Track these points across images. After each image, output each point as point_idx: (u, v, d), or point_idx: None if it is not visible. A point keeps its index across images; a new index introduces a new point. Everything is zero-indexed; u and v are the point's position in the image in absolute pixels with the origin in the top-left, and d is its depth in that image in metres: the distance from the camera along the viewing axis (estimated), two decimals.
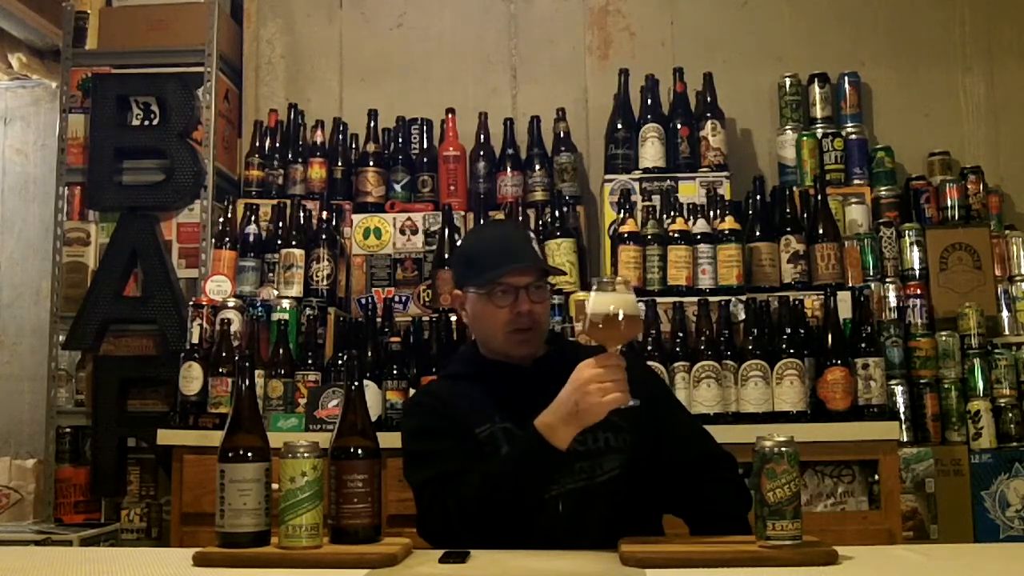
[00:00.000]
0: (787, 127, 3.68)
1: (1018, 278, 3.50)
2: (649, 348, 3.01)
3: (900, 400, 3.29)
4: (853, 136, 3.62)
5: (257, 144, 3.76)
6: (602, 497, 1.88)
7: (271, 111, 3.84)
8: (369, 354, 3.11)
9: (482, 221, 3.43)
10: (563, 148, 3.64)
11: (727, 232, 3.19)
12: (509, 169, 3.61)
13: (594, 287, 1.78)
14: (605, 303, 1.73)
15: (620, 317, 1.72)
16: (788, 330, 2.98)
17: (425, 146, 3.73)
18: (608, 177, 3.49)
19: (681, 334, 3.03)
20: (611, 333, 1.73)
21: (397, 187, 3.65)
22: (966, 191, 3.58)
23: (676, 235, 3.21)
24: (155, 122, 3.77)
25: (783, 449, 1.58)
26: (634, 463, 1.92)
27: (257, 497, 1.60)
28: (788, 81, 3.70)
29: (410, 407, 2.14)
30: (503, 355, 2.00)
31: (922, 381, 3.35)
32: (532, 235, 2.14)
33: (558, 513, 1.86)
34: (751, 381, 2.94)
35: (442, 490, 1.83)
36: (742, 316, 3.07)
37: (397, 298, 3.46)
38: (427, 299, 3.44)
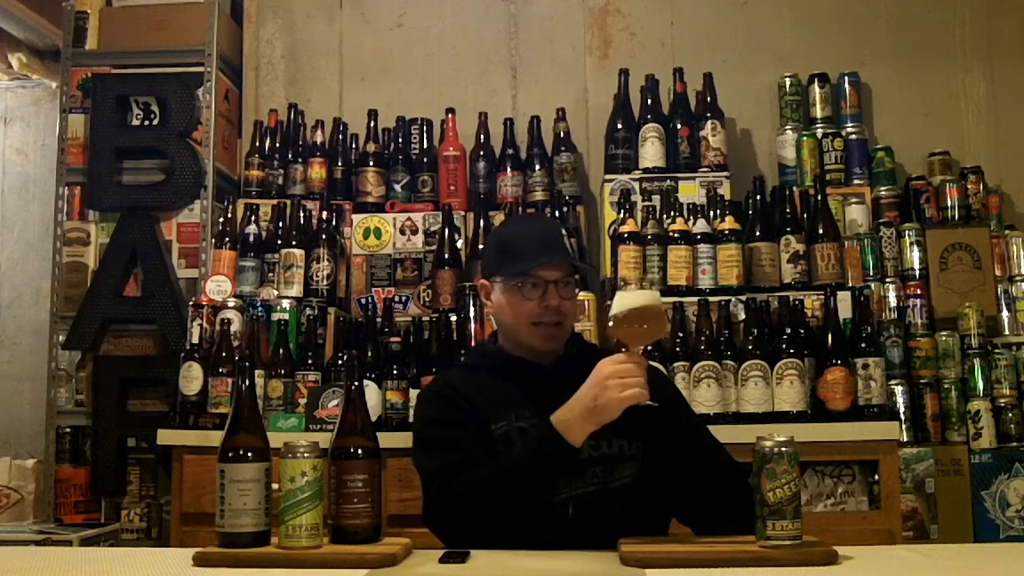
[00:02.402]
0: (787, 127, 3.68)
1: (1018, 278, 3.50)
2: (649, 348, 3.01)
3: (900, 400, 3.29)
4: (853, 136, 3.62)
5: (257, 144, 3.76)
6: (613, 503, 1.88)
7: (271, 111, 3.84)
8: (369, 354, 3.11)
9: (482, 222, 3.43)
10: (563, 148, 3.64)
11: (727, 232, 3.19)
12: (509, 169, 3.61)
13: (620, 285, 1.80)
14: (630, 302, 1.74)
15: (645, 317, 1.73)
16: (788, 330, 2.98)
17: (425, 146, 3.73)
18: (608, 177, 3.49)
19: (681, 334, 3.03)
20: (634, 332, 1.75)
21: (397, 187, 3.65)
22: (966, 191, 3.58)
23: (676, 235, 3.20)
24: (155, 122, 3.77)
25: (783, 449, 1.58)
26: (647, 471, 1.92)
27: (257, 497, 1.60)
28: (788, 81, 3.70)
29: (427, 394, 2.10)
30: (525, 350, 1.98)
31: (922, 381, 3.35)
32: (563, 228, 2.11)
33: (567, 517, 1.85)
34: (751, 381, 2.94)
35: (451, 480, 1.82)
36: (742, 316, 3.06)
37: (397, 298, 3.46)
38: (427, 299, 3.44)
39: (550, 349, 1.98)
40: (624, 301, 1.75)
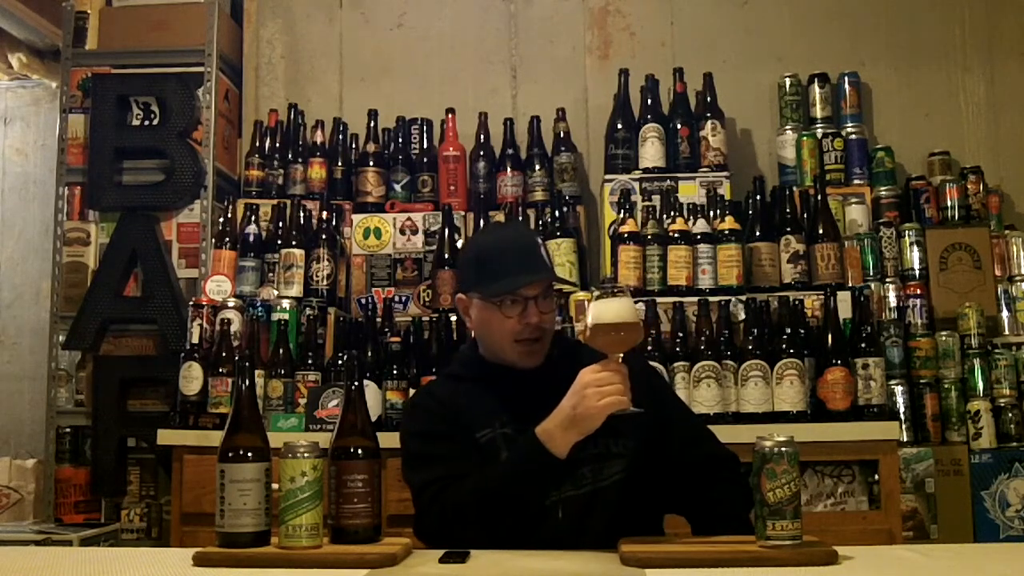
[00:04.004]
0: (787, 127, 3.68)
1: (1018, 278, 3.50)
2: (649, 348, 3.01)
3: (900, 400, 3.29)
4: (853, 136, 3.62)
5: (257, 144, 3.76)
6: (604, 502, 1.88)
7: (271, 111, 3.84)
8: (369, 354, 3.11)
9: (482, 222, 3.43)
10: (563, 148, 3.64)
11: (727, 232, 3.19)
12: (509, 169, 3.61)
13: (595, 294, 1.78)
14: (605, 310, 1.73)
15: (620, 325, 1.72)
16: (788, 330, 2.98)
17: (425, 146, 3.73)
18: (608, 177, 3.49)
19: (681, 334, 3.03)
20: (611, 340, 1.73)
21: (397, 187, 3.65)
22: (966, 191, 3.58)
23: (676, 235, 3.20)
24: (155, 122, 3.77)
25: (783, 449, 1.58)
26: (636, 467, 1.91)
27: (257, 497, 1.60)
28: (788, 81, 3.70)
29: (410, 408, 2.12)
30: (508, 363, 1.98)
31: (922, 381, 3.35)
32: (540, 238, 2.07)
33: (558, 519, 1.85)
34: (751, 381, 2.94)
35: (440, 494, 1.82)
36: (742, 316, 3.06)
37: (397, 298, 3.46)
38: (427, 299, 3.44)
39: (531, 365, 1.96)
40: (599, 310, 1.74)
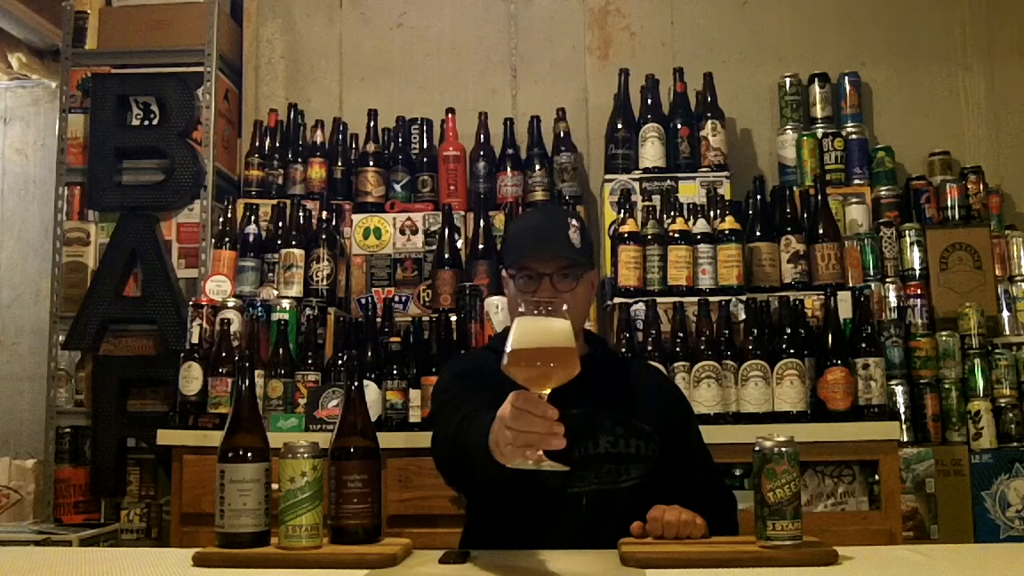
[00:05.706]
0: (787, 127, 3.67)
1: (1018, 278, 3.50)
2: (649, 348, 3.01)
3: (900, 400, 3.29)
4: (853, 136, 3.62)
5: (257, 144, 3.75)
6: (622, 502, 1.88)
7: (271, 111, 3.84)
8: (369, 354, 3.11)
9: (482, 222, 3.44)
10: (563, 148, 3.64)
11: (727, 232, 3.19)
12: (509, 169, 3.61)
13: (520, 312, 1.42)
14: (527, 334, 1.37)
15: (549, 354, 1.36)
16: (788, 330, 2.98)
17: (425, 146, 3.73)
18: (608, 177, 3.49)
19: (681, 334, 3.03)
20: (536, 374, 1.36)
21: (397, 187, 3.65)
22: (966, 191, 3.58)
23: (676, 235, 3.20)
24: (155, 122, 3.77)
25: (783, 449, 1.58)
26: (656, 475, 1.93)
27: (257, 497, 1.60)
28: (788, 81, 3.70)
29: (454, 359, 2.34)
30: None
31: (922, 381, 3.35)
32: (575, 222, 1.96)
33: (581, 509, 1.87)
34: (751, 381, 2.93)
35: (440, 428, 1.89)
36: (742, 316, 3.06)
37: (397, 298, 3.46)
38: (427, 299, 3.44)
39: None
40: (519, 331, 1.37)
